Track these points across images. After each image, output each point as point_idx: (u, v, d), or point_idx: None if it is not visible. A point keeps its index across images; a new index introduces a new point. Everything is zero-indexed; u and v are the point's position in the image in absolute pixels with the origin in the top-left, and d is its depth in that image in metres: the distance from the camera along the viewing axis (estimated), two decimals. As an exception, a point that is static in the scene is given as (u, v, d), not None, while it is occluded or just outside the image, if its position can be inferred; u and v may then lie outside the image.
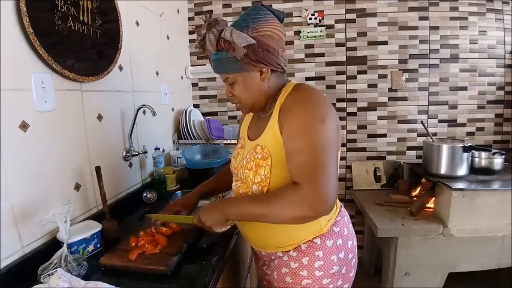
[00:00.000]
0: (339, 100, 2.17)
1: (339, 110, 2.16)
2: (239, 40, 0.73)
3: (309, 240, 0.84)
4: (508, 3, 2.02)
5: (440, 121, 2.15)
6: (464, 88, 2.11)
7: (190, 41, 2.24)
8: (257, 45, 0.74)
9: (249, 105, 0.85)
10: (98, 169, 1.06)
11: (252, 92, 0.82)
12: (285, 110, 0.77)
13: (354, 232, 0.94)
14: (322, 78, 2.17)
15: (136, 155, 1.44)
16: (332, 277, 0.84)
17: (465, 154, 1.68)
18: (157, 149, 1.59)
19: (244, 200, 0.82)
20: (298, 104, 0.76)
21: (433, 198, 1.76)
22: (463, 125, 2.15)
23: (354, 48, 2.12)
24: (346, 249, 0.87)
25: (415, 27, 2.06)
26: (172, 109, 1.96)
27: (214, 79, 2.26)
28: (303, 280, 0.84)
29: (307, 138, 0.71)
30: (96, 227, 0.98)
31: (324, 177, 0.69)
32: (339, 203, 0.94)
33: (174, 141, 1.98)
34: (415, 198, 1.87)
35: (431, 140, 1.79)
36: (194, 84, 2.30)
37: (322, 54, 2.15)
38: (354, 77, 2.15)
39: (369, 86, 2.15)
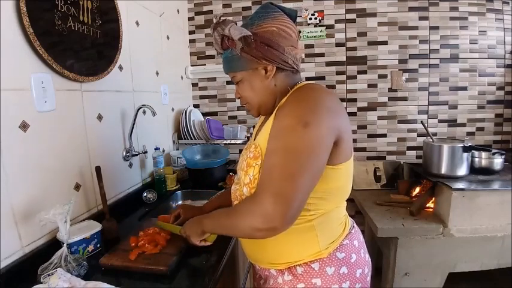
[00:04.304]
0: (339, 100, 2.17)
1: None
2: (235, 33, 0.70)
3: (306, 264, 0.75)
4: (508, 3, 2.02)
5: (440, 121, 2.15)
6: (464, 88, 2.11)
7: (190, 41, 2.24)
8: (253, 38, 0.71)
9: (255, 104, 0.81)
10: (98, 169, 1.06)
11: (257, 91, 0.78)
12: (280, 109, 0.72)
13: (367, 258, 0.84)
14: (322, 78, 2.17)
15: (137, 155, 1.44)
16: None
17: (465, 154, 1.68)
18: (157, 149, 1.59)
19: (218, 212, 0.80)
20: (289, 104, 0.70)
21: (433, 198, 1.76)
22: (463, 125, 2.15)
23: (354, 48, 2.12)
24: (352, 279, 0.77)
25: (415, 27, 2.06)
26: (172, 109, 1.96)
27: (214, 79, 2.26)
28: None
29: (283, 140, 0.65)
30: (96, 227, 0.98)
31: (288, 188, 0.61)
32: (349, 222, 0.85)
33: (174, 141, 1.98)
34: (415, 198, 1.87)
35: (431, 140, 1.79)
36: (194, 84, 2.30)
37: (322, 54, 2.15)
38: (354, 77, 2.15)
39: (369, 86, 2.15)
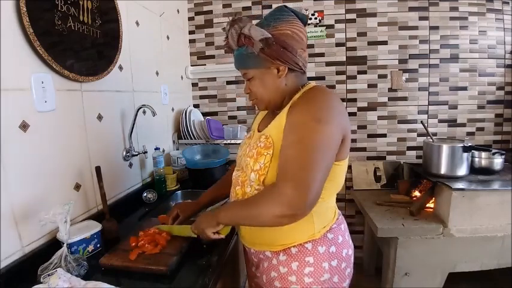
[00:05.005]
0: (339, 100, 2.17)
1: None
2: (256, 33, 0.75)
3: (300, 245, 0.82)
4: (508, 3, 2.02)
5: (440, 121, 2.15)
6: (464, 88, 2.11)
7: (190, 41, 2.24)
8: (273, 40, 0.76)
9: (265, 101, 0.86)
10: (98, 169, 1.06)
11: (268, 88, 0.83)
12: (294, 105, 0.78)
13: (350, 242, 0.92)
14: (322, 78, 2.17)
15: (136, 155, 1.44)
16: (322, 285, 0.82)
17: (465, 154, 1.68)
18: (157, 149, 1.59)
19: (234, 204, 0.84)
20: (303, 103, 0.77)
21: (433, 198, 1.76)
22: (463, 125, 2.15)
23: (354, 48, 2.12)
24: (339, 258, 0.85)
25: (415, 27, 2.06)
26: (172, 109, 1.96)
27: (214, 79, 2.26)
28: (292, 286, 0.82)
29: (299, 135, 0.72)
30: (96, 227, 0.98)
31: (307, 176, 0.67)
32: (337, 210, 0.94)
33: (174, 141, 1.98)
34: (415, 198, 1.87)
35: (431, 140, 1.79)
36: (194, 84, 2.30)
37: (322, 54, 2.15)
38: (354, 77, 2.15)
39: (369, 86, 2.15)
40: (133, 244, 0.92)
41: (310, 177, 0.67)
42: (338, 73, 2.16)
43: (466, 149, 1.67)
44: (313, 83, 0.86)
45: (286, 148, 0.73)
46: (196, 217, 0.95)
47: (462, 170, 1.70)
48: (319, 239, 0.82)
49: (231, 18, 0.81)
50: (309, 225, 0.81)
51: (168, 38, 1.87)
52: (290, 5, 2.30)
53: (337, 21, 2.10)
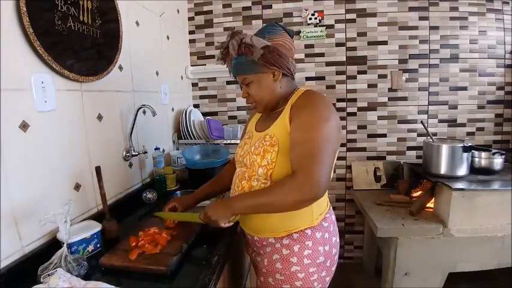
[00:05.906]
0: (339, 100, 2.17)
1: (339, 110, 2.16)
2: (258, 42, 0.87)
3: (301, 230, 0.92)
4: (508, 3, 2.03)
5: (440, 121, 2.15)
6: (464, 88, 2.11)
7: (190, 41, 2.24)
8: (272, 48, 0.88)
9: (263, 103, 0.96)
10: (98, 169, 1.06)
11: (265, 91, 0.94)
12: (296, 107, 0.89)
13: (337, 231, 1.03)
14: (322, 78, 2.17)
15: (137, 155, 1.44)
16: (318, 267, 0.92)
17: (465, 154, 1.68)
18: (157, 149, 1.59)
19: (248, 194, 0.90)
20: (308, 105, 0.88)
21: (433, 198, 1.76)
22: (463, 125, 2.15)
23: (354, 48, 2.12)
24: (331, 244, 0.96)
25: (415, 27, 2.06)
26: (172, 109, 1.96)
27: (214, 79, 2.26)
28: (292, 266, 0.91)
29: (310, 133, 0.83)
30: (96, 227, 0.98)
31: (318, 165, 0.79)
32: (328, 200, 1.04)
33: (174, 141, 1.98)
34: (415, 198, 1.87)
35: (431, 140, 1.79)
36: (194, 84, 2.30)
37: (322, 54, 2.15)
38: (354, 77, 2.15)
39: (369, 86, 2.15)
40: (134, 244, 0.92)
41: (321, 166, 0.79)
42: (338, 73, 2.16)
43: (466, 149, 1.67)
44: (302, 88, 0.97)
45: (298, 145, 0.83)
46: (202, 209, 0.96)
47: (462, 170, 1.70)
48: (317, 225, 0.93)
49: (230, 32, 0.92)
50: (308, 213, 0.92)
51: (168, 38, 1.87)
52: (290, 4, 2.31)
53: (337, 21, 2.10)
